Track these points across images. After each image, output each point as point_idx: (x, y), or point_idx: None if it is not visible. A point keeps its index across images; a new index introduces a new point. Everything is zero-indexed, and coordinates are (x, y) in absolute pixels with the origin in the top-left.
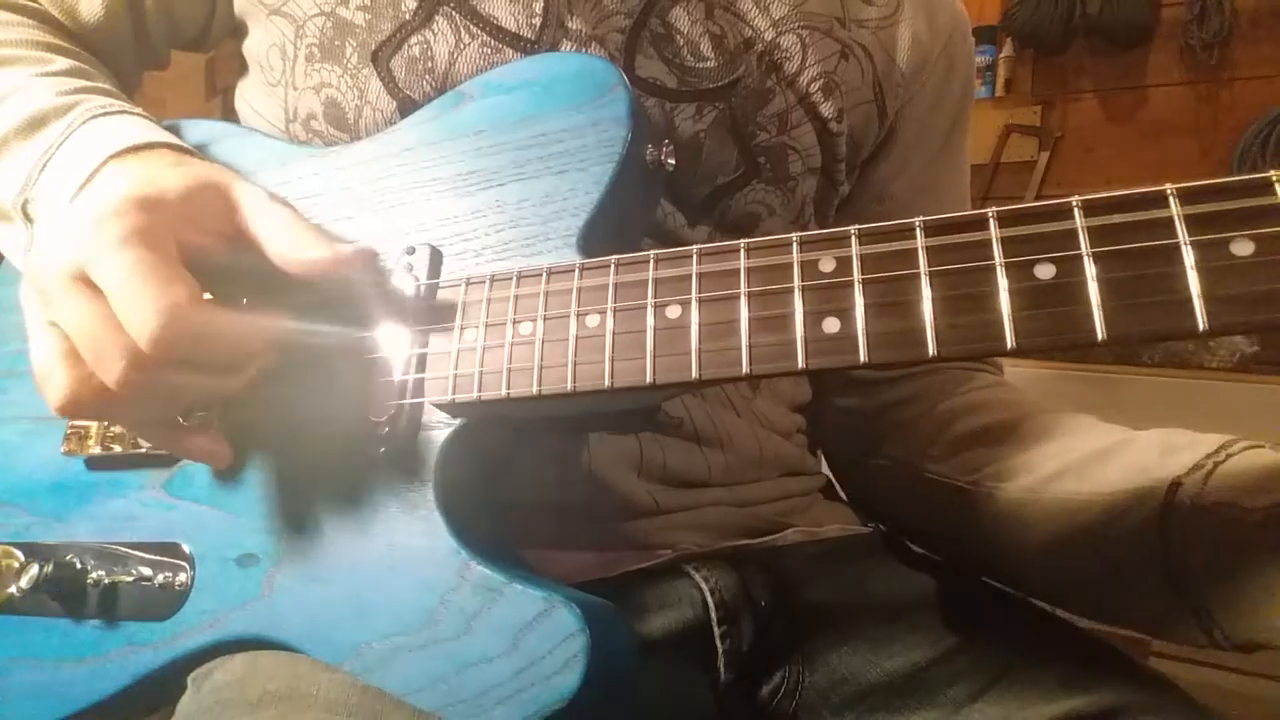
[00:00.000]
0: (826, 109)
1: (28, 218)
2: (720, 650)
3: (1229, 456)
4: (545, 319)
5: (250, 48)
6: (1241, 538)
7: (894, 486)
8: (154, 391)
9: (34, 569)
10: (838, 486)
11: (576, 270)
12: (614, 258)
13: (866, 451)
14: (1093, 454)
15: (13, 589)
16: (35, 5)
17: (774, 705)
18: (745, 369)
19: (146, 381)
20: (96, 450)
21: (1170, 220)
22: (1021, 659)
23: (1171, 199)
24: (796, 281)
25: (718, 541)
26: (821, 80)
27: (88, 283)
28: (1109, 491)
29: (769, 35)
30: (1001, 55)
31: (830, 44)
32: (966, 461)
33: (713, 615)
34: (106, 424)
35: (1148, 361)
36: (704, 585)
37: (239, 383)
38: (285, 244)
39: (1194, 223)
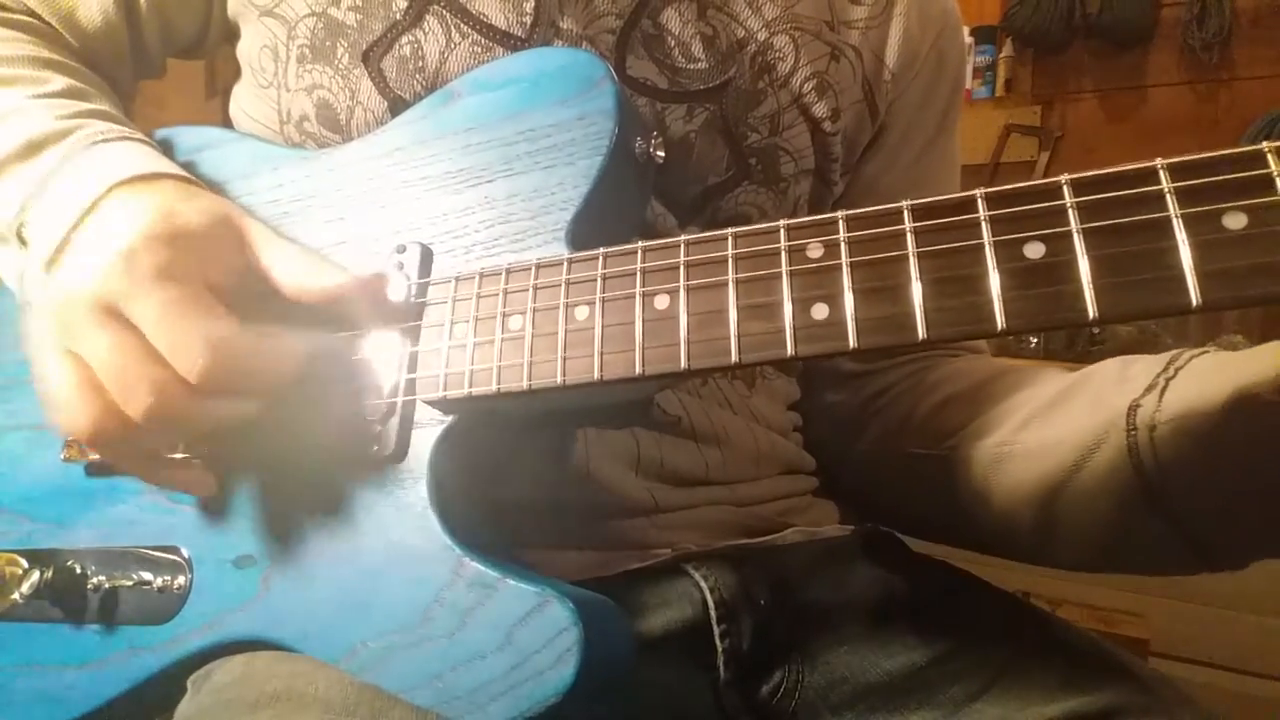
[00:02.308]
0: (820, 109)
1: (23, 241)
2: (720, 649)
3: (1178, 370)
4: (535, 313)
5: (243, 50)
6: (1206, 441)
7: (879, 472)
8: (178, 426)
9: (35, 575)
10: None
11: (565, 263)
12: (602, 250)
13: (852, 440)
14: (1054, 396)
15: (15, 595)
16: (32, 19)
17: (773, 704)
18: (734, 357)
19: (175, 415)
20: (95, 457)
21: (1161, 194)
22: (1021, 659)
23: (1162, 173)
24: (784, 268)
25: (717, 540)
26: (814, 80)
27: (118, 316)
28: (1076, 429)
29: (762, 36)
30: (1001, 55)
31: (820, 46)
32: (940, 429)
33: (712, 614)
34: None
35: None
36: (703, 584)
37: (264, 407)
38: (300, 274)
39: (1185, 196)
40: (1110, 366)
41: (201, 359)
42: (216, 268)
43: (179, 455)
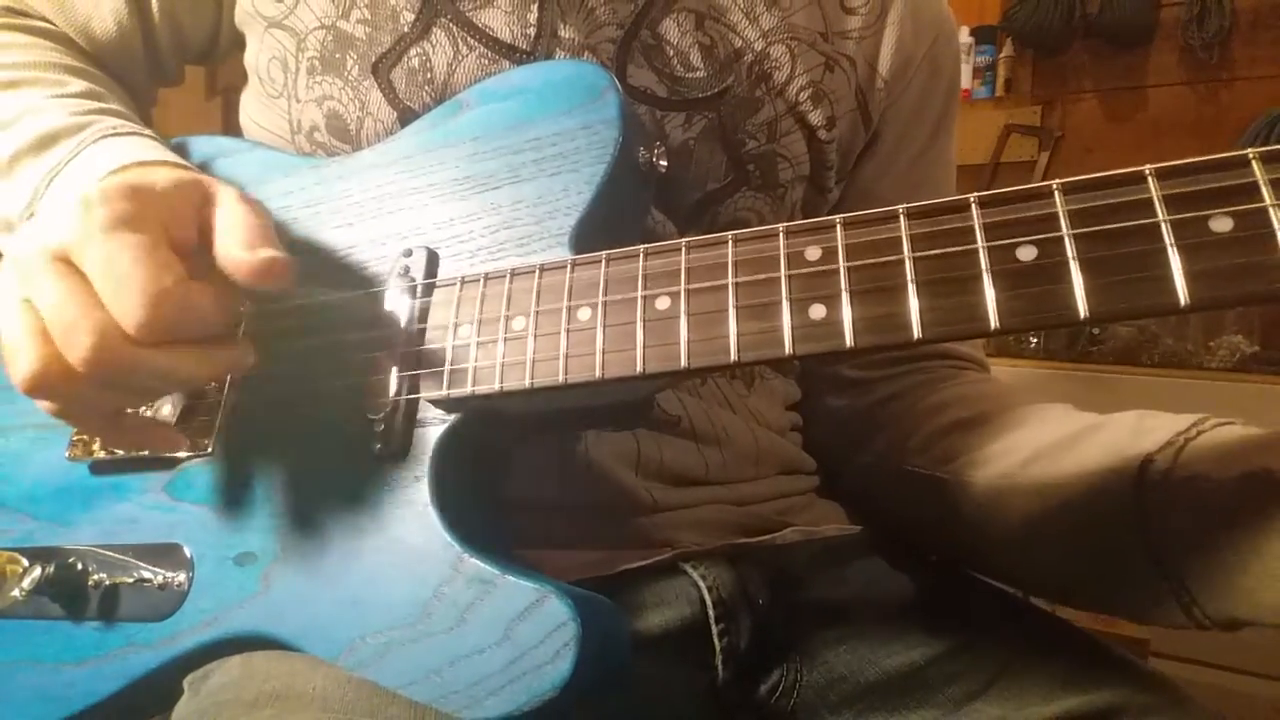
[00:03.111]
0: (815, 117)
1: None
2: (718, 648)
3: (1200, 433)
4: (538, 313)
5: (250, 60)
6: (1215, 510)
7: (879, 483)
8: (120, 376)
9: (36, 572)
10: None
11: (568, 265)
12: (605, 253)
13: (854, 450)
14: (1066, 437)
15: (15, 593)
16: (52, 27)
17: (772, 703)
18: (733, 356)
19: (115, 363)
20: (101, 455)
21: (1150, 200)
22: (1020, 659)
23: (1150, 179)
24: (783, 270)
25: (716, 540)
26: (810, 89)
27: (68, 262)
28: (1084, 473)
29: (759, 45)
30: (1001, 55)
31: (816, 56)
32: (944, 452)
33: (710, 613)
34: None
35: (1147, 362)
36: (702, 583)
37: (213, 371)
38: (228, 238)
39: (1173, 201)
40: (1128, 418)
41: (141, 308)
42: (180, 224)
43: (145, 414)
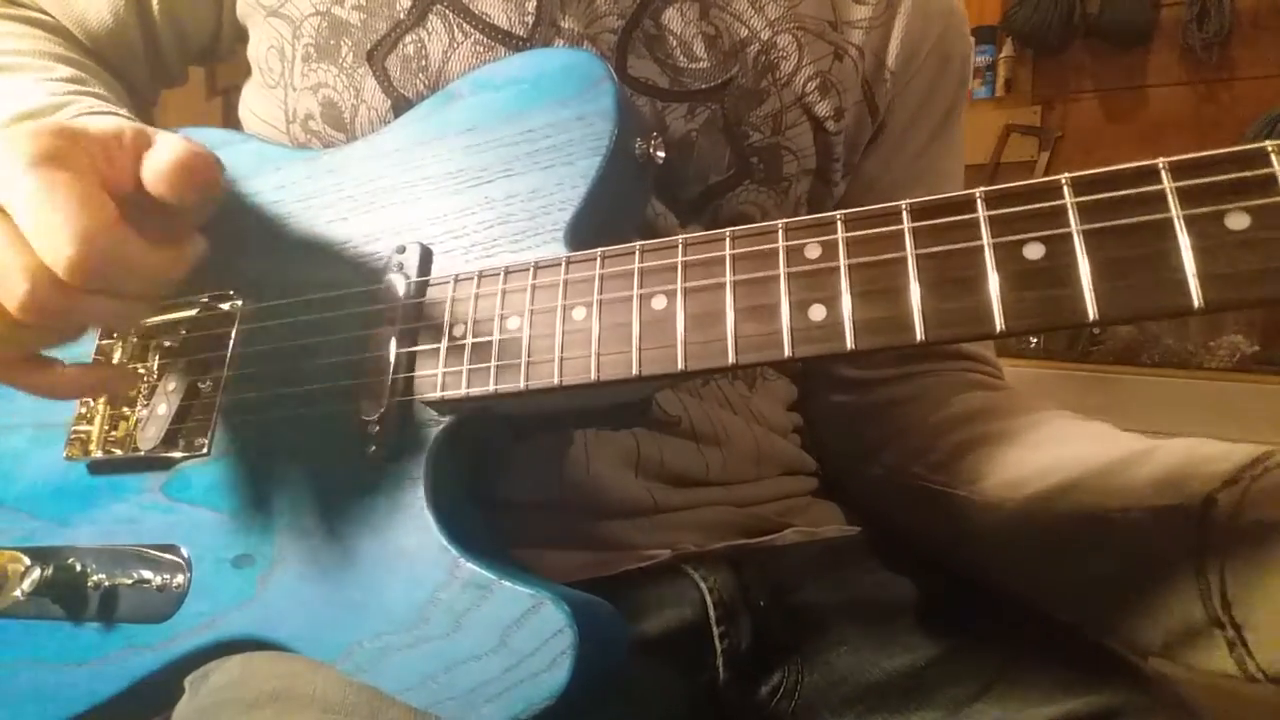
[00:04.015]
0: (823, 109)
1: None
2: (719, 650)
3: (1265, 470)
4: (533, 314)
5: (251, 51)
6: (1272, 547)
7: (891, 496)
8: (53, 317)
9: (36, 572)
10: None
11: (563, 264)
12: (600, 250)
13: (863, 456)
14: (1114, 462)
15: (16, 593)
16: (48, 18)
17: (773, 705)
18: (731, 359)
19: (50, 307)
20: (99, 454)
21: (1163, 194)
22: (1021, 659)
23: (1164, 173)
24: (782, 269)
25: (716, 541)
26: (818, 80)
27: None
28: (1138, 505)
29: (764, 35)
30: (1001, 55)
31: (823, 46)
32: (966, 470)
33: (711, 615)
34: (105, 427)
35: (1147, 361)
36: (702, 585)
37: (149, 312)
38: (154, 155)
39: (1187, 196)
40: (1179, 446)
41: (69, 248)
42: (114, 166)
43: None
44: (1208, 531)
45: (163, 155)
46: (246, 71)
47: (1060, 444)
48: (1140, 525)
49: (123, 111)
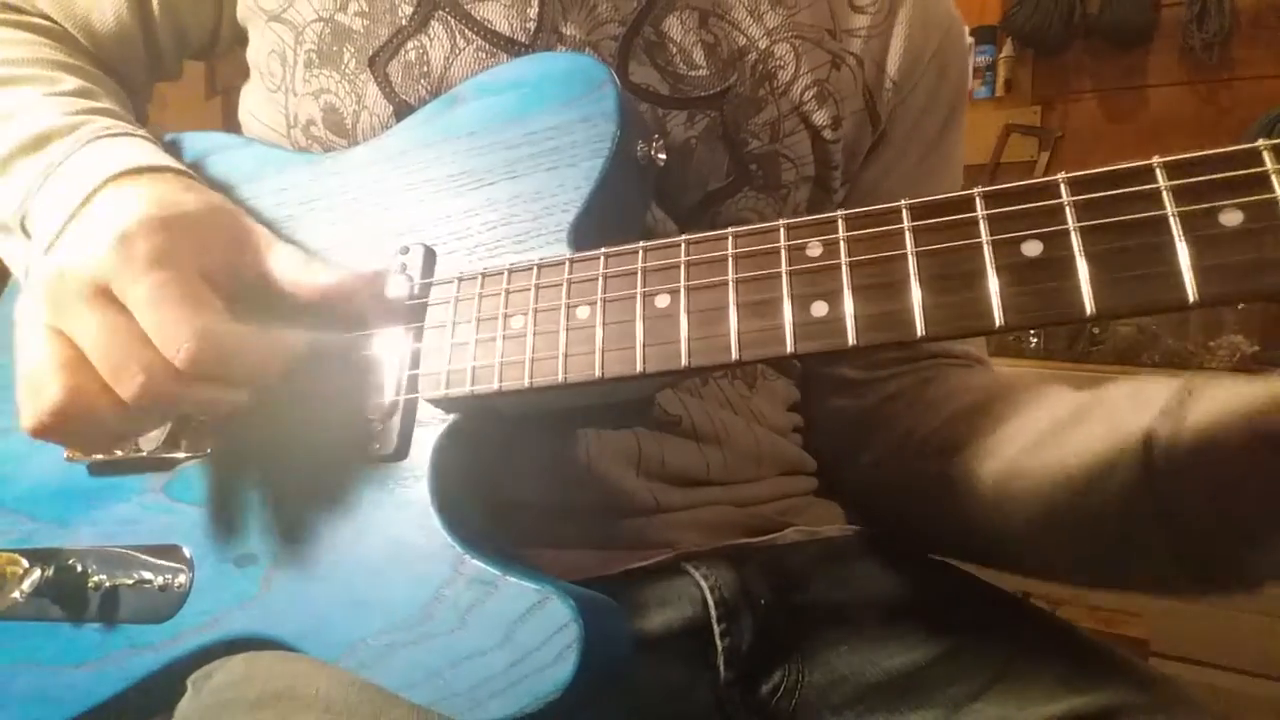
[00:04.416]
0: (820, 117)
1: (26, 232)
2: (720, 648)
3: (1195, 395)
4: (536, 312)
5: (252, 54)
6: (1223, 467)
7: (883, 482)
8: (164, 406)
9: (36, 574)
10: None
11: (567, 263)
12: (603, 250)
13: (855, 452)
14: (1066, 417)
15: (15, 594)
16: (49, 23)
17: (773, 704)
18: (734, 355)
19: (164, 399)
20: (99, 456)
21: (1158, 192)
22: (1021, 659)
23: (1158, 171)
24: (784, 267)
25: (717, 540)
26: (815, 89)
27: (110, 298)
28: (1089, 454)
29: (763, 44)
30: (1001, 55)
31: (821, 54)
32: (945, 446)
33: (712, 613)
34: None
35: (1147, 361)
36: (704, 583)
37: (250, 397)
38: (298, 269)
39: (1182, 194)
40: (1123, 389)
41: (189, 343)
42: (212, 258)
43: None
44: (1153, 466)
45: (317, 281)
46: (246, 72)
47: (1025, 408)
48: (1095, 473)
49: (140, 131)
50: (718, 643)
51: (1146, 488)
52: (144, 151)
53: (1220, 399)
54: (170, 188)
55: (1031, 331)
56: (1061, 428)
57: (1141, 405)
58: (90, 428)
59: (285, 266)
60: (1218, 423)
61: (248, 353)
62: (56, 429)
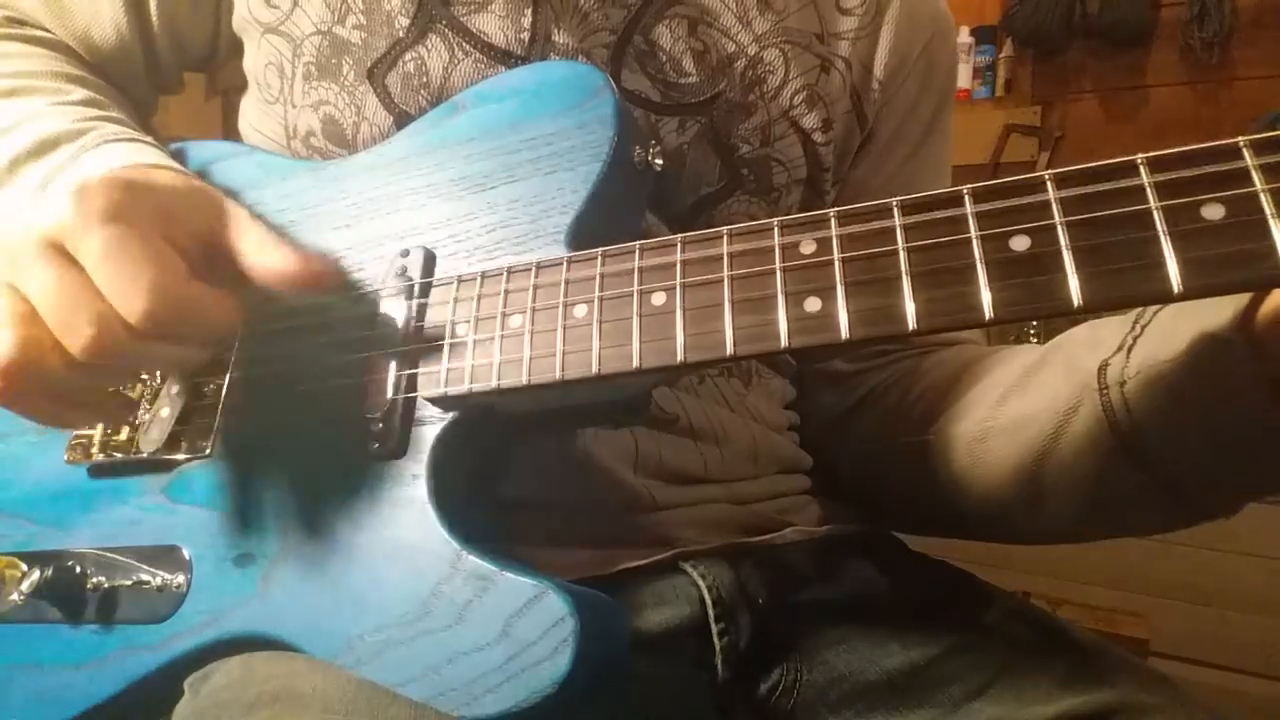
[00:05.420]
0: (810, 120)
1: None
2: (718, 647)
3: (1144, 326)
4: (534, 311)
5: (248, 65)
6: (1175, 388)
7: (870, 465)
8: (116, 364)
9: (35, 575)
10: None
11: (564, 263)
12: (600, 249)
13: (844, 439)
14: (1029, 367)
15: (14, 596)
16: (51, 36)
17: (772, 703)
18: (729, 350)
19: (114, 352)
20: (100, 458)
21: (1142, 188)
22: (1020, 659)
23: (1142, 167)
24: (778, 264)
25: (715, 539)
26: (805, 93)
27: (62, 251)
28: (1051, 396)
29: (752, 50)
30: (1001, 55)
31: (810, 59)
32: (924, 416)
33: (710, 612)
34: (107, 431)
35: None
36: (702, 582)
37: (206, 357)
38: (261, 254)
39: (1165, 189)
40: (1080, 332)
41: (141, 300)
42: (180, 227)
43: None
44: (1108, 396)
45: (279, 264)
46: (242, 85)
47: (992, 368)
48: (1057, 414)
49: (147, 138)
50: (715, 641)
51: (1107, 419)
52: (148, 154)
53: (1166, 321)
54: (155, 169)
55: (1032, 329)
56: (1025, 377)
57: (1097, 343)
58: (42, 385)
59: (248, 246)
60: (1165, 343)
61: (205, 311)
62: (8, 391)
